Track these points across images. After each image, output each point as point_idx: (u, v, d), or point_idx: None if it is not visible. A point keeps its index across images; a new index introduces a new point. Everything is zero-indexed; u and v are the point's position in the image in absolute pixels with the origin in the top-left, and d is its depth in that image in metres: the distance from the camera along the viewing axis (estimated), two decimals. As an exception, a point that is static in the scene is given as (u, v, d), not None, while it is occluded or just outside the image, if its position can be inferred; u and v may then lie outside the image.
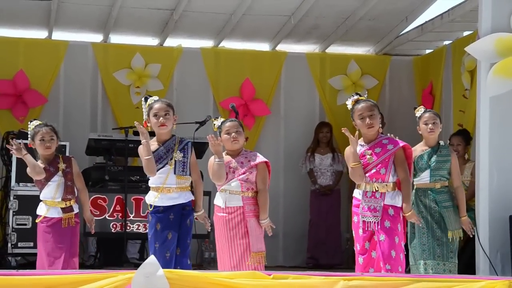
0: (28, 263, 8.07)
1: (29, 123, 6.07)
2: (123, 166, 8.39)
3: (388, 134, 5.72)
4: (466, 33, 9.26)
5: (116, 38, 9.70)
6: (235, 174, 5.68)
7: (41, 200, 6.01)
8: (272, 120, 9.98)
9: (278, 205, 9.58)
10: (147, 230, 5.73)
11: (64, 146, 8.23)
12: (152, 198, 5.63)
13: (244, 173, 5.67)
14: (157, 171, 5.59)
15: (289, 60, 10.03)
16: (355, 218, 5.57)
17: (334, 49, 10.18)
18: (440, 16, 9.02)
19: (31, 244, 7.73)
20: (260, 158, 5.75)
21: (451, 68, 9.28)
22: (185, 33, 9.57)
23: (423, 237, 6.27)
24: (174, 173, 5.60)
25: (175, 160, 5.59)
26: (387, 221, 5.43)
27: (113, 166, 8.46)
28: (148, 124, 5.65)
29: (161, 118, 5.56)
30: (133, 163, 8.83)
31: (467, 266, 7.02)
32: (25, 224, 8.03)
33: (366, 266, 5.43)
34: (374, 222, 5.42)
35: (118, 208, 8.18)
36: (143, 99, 5.76)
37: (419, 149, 6.38)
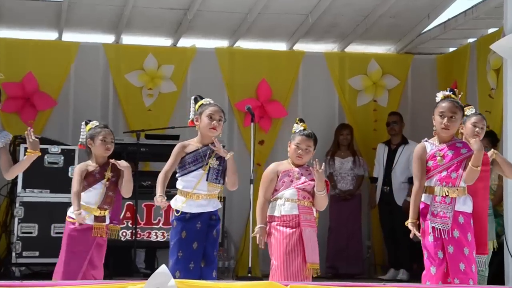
0: (32, 273, 7.90)
1: (83, 124, 6.01)
2: (134, 171, 8.20)
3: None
4: (491, 30, 9.14)
5: (128, 39, 9.65)
6: (292, 183, 5.60)
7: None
8: (290, 122, 9.68)
9: (296, 210, 9.38)
10: (169, 237, 5.65)
11: (73, 150, 8.05)
12: (179, 203, 5.57)
13: (303, 183, 5.59)
14: (190, 173, 5.59)
15: (307, 60, 9.91)
16: (422, 224, 5.31)
17: (354, 48, 10.09)
18: (464, 13, 8.94)
19: (37, 253, 7.60)
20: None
21: (476, 67, 9.16)
22: (199, 33, 9.52)
23: None
24: (207, 179, 5.61)
25: (209, 167, 5.61)
26: (456, 231, 5.20)
27: (123, 171, 8.31)
28: (196, 123, 5.71)
29: (214, 122, 5.67)
30: (145, 168, 8.64)
31: (495, 275, 6.86)
32: (31, 233, 7.84)
33: (437, 280, 5.18)
34: (444, 230, 5.19)
35: (128, 215, 8.08)
36: (192, 98, 5.86)
37: None
